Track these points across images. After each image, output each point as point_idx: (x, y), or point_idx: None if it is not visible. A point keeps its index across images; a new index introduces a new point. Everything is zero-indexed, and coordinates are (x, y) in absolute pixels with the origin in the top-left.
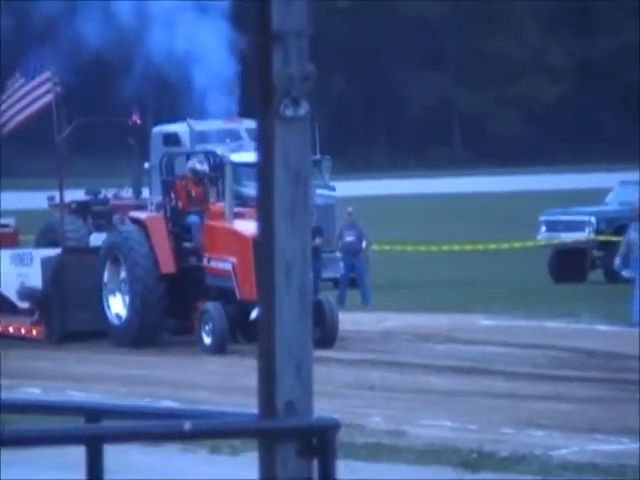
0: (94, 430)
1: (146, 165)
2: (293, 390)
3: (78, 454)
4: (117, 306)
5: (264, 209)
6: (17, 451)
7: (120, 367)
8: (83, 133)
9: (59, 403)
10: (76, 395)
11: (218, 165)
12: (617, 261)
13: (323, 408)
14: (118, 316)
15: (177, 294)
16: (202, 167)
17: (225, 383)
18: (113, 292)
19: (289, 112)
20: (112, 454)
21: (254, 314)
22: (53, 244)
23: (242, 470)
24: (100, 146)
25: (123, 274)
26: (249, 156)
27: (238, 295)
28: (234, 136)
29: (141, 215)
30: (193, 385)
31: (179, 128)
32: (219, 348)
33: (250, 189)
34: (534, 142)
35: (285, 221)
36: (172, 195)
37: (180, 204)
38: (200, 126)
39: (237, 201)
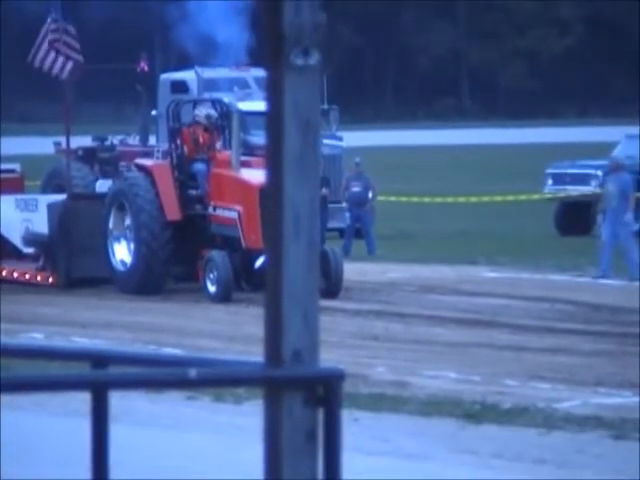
0: (99, 376)
1: (153, 112)
2: (300, 339)
3: (82, 400)
4: (122, 253)
5: (273, 158)
6: (21, 397)
7: (125, 314)
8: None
9: (63, 348)
10: (81, 341)
11: (225, 113)
12: (599, 217)
13: (327, 358)
14: (123, 262)
15: (182, 242)
16: (210, 114)
17: (231, 331)
18: (118, 239)
19: (299, 61)
20: (117, 401)
21: (259, 263)
22: (59, 190)
23: (246, 418)
24: (108, 92)
25: (128, 221)
26: (257, 105)
27: (243, 244)
28: (242, 84)
29: (147, 162)
30: (198, 333)
31: (187, 75)
32: (224, 296)
33: (258, 138)
34: (541, 95)
35: (294, 170)
36: (178, 142)
37: (186, 152)
38: (208, 74)
39: (245, 150)
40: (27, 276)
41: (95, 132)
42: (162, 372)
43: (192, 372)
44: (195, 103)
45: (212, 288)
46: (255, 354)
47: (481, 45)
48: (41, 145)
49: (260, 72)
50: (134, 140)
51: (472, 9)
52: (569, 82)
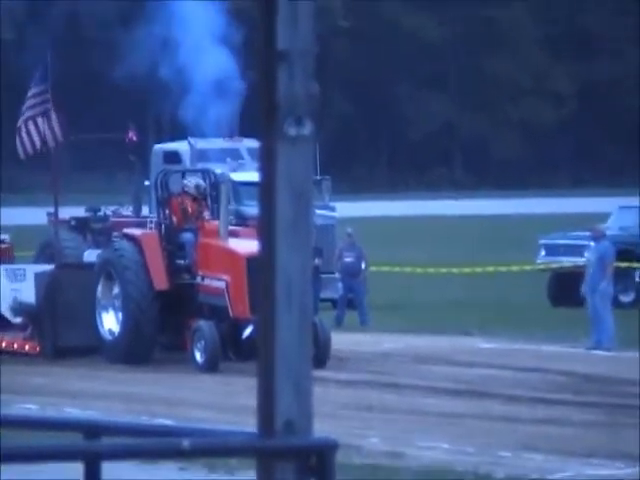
0: (92, 447)
1: (146, 183)
2: (292, 409)
3: (76, 471)
4: (110, 322)
5: (266, 227)
6: (15, 467)
7: (117, 384)
8: (85, 150)
9: (57, 419)
10: (73, 412)
11: (214, 183)
12: (583, 287)
13: (321, 429)
14: (111, 332)
15: (170, 311)
16: (198, 184)
17: (223, 401)
18: (106, 308)
19: (293, 131)
20: (109, 470)
21: (247, 332)
22: (52, 260)
23: None
24: (101, 163)
25: (116, 290)
26: (250, 175)
27: (231, 313)
28: (235, 155)
29: (135, 232)
30: (191, 403)
31: (180, 146)
32: (211, 366)
33: (251, 208)
34: (535, 166)
35: (287, 239)
36: (167, 212)
37: (175, 221)
38: (201, 144)
39: (238, 220)
40: (15, 345)
41: (88, 202)
42: (155, 442)
43: (185, 442)
44: (184, 173)
45: (200, 358)
46: (248, 425)
47: (473, 116)
48: (33, 215)
49: (252, 143)
50: (127, 210)
51: (464, 80)
52: (562, 152)
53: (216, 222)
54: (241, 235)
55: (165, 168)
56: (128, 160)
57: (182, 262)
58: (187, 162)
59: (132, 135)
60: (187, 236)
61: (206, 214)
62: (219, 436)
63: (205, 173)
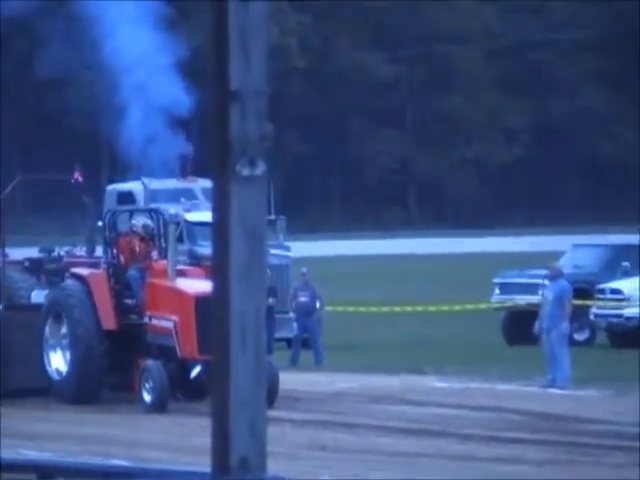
0: None
1: (100, 223)
2: (247, 449)
3: None
4: (58, 362)
5: (219, 268)
6: None
7: (73, 425)
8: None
9: (9, 460)
10: (28, 453)
11: (162, 223)
12: (536, 325)
13: (275, 468)
14: (58, 371)
15: (118, 351)
16: (146, 224)
17: (178, 442)
18: (54, 348)
19: (246, 171)
20: None
21: (195, 372)
22: (8, 300)
23: None
24: (55, 204)
25: (64, 330)
26: (204, 215)
27: (179, 353)
28: (189, 195)
29: (83, 272)
30: (146, 444)
31: (134, 186)
32: (160, 406)
33: (205, 249)
34: (489, 204)
35: (241, 281)
36: (115, 252)
37: (123, 261)
38: (155, 184)
39: (192, 260)
40: None
41: (42, 243)
42: None
43: None
44: (132, 213)
45: (148, 398)
46: (203, 465)
47: (428, 154)
48: None
49: (207, 183)
50: (80, 251)
51: (419, 118)
52: (516, 190)
53: (164, 262)
54: (189, 275)
55: (113, 208)
56: (81, 201)
57: (130, 302)
58: (141, 202)
59: (78, 176)
60: (135, 276)
61: (154, 254)
62: (174, 476)
63: (153, 213)
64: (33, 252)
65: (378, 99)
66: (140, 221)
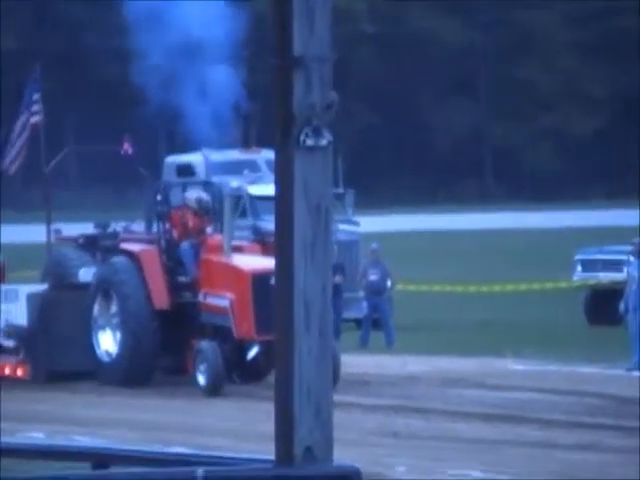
0: (101, 476)
1: (159, 197)
2: (312, 435)
3: None
4: (107, 342)
5: (282, 244)
6: None
7: (129, 411)
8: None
9: (63, 448)
10: (82, 440)
11: (218, 196)
12: (622, 304)
13: (344, 456)
14: (108, 353)
15: (171, 331)
16: (200, 198)
17: (241, 428)
18: (103, 327)
19: (310, 142)
20: None
21: (252, 353)
22: (62, 279)
23: None
24: (111, 177)
25: (114, 309)
26: (268, 189)
27: (235, 334)
28: (252, 167)
29: (133, 247)
30: (207, 431)
31: (193, 158)
32: (214, 389)
33: (270, 224)
34: (568, 176)
35: (305, 256)
36: (167, 226)
37: (175, 236)
38: (216, 156)
39: (256, 236)
40: (6, 370)
41: (97, 219)
42: (167, 472)
43: (199, 471)
44: (185, 186)
45: (202, 381)
46: (268, 453)
47: (504, 124)
48: (29, 233)
49: (271, 154)
50: (138, 226)
51: (494, 87)
52: (597, 162)
53: (219, 237)
54: (246, 251)
55: (165, 181)
56: (139, 174)
57: (183, 279)
58: (201, 174)
59: (128, 147)
60: (188, 251)
61: (209, 229)
62: (235, 464)
63: (208, 185)
64: (88, 228)
65: (450, 66)
66: (193, 194)
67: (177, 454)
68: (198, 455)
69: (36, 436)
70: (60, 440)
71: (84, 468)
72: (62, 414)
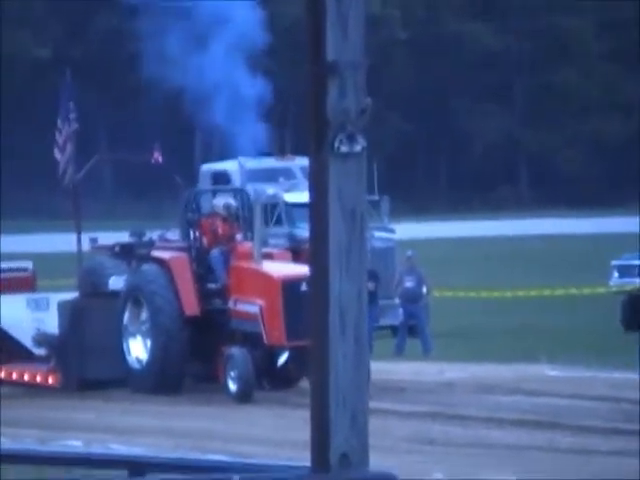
0: None
1: (188, 204)
2: (348, 442)
3: None
4: (138, 350)
5: (317, 250)
6: None
7: (163, 418)
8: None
9: (100, 455)
10: (119, 448)
11: (247, 203)
12: None
13: (379, 463)
14: (138, 360)
15: (201, 338)
16: (228, 204)
17: (277, 436)
18: (134, 335)
19: (344, 148)
20: None
21: (282, 360)
22: (96, 287)
23: None
24: (147, 187)
25: (144, 316)
26: (303, 196)
27: (266, 340)
28: (288, 174)
29: (164, 255)
30: (243, 438)
31: (229, 166)
32: (245, 396)
33: (305, 231)
34: (603, 182)
35: (340, 263)
36: (197, 234)
37: (205, 243)
38: (251, 164)
39: (292, 244)
40: (38, 378)
41: (133, 228)
42: (203, 479)
43: (235, 478)
44: (214, 193)
45: (233, 387)
46: (304, 460)
47: (539, 130)
48: (56, 242)
49: (306, 162)
50: (174, 235)
51: (529, 93)
52: (632, 169)
53: (249, 244)
54: (275, 258)
55: (194, 188)
56: (174, 182)
57: (213, 286)
58: (237, 182)
59: (157, 155)
60: (218, 259)
61: (238, 236)
62: (271, 471)
63: (238, 192)
64: (123, 236)
65: (485, 72)
66: (221, 201)
67: (213, 461)
68: (234, 462)
69: (74, 444)
70: (97, 448)
71: (121, 476)
72: (97, 422)
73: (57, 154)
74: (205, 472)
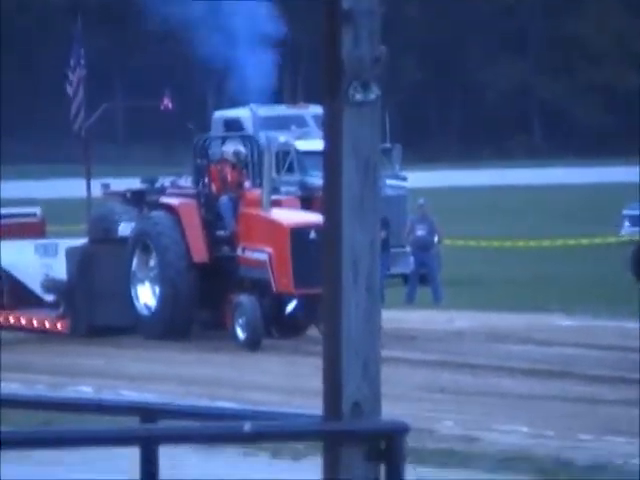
0: (149, 430)
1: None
2: (360, 391)
3: (132, 457)
4: (146, 296)
5: (331, 199)
6: (67, 453)
7: (175, 366)
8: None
9: (111, 402)
10: (130, 395)
11: (257, 150)
12: None
13: (390, 411)
14: (147, 306)
15: (209, 285)
16: (238, 151)
17: (288, 383)
18: (142, 281)
19: (359, 96)
20: (167, 458)
21: (290, 307)
22: (108, 233)
23: (305, 475)
24: (159, 133)
25: (153, 262)
26: (316, 144)
27: (274, 288)
28: (300, 122)
29: (172, 201)
30: (254, 386)
31: (241, 113)
32: (253, 343)
33: (317, 179)
34: (617, 132)
35: (353, 212)
36: (206, 181)
37: (214, 190)
38: (264, 111)
39: (303, 192)
40: (46, 324)
41: (145, 174)
42: (215, 426)
43: (246, 426)
44: (224, 139)
45: (241, 334)
46: (315, 408)
47: (553, 79)
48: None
49: (318, 109)
50: (186, 182)
51: (543, 42)
52: None
53: (258, 191)
54: (284, 205)
55: (203, 134)
56: (187, 129)
57: (222, 233)
58: (249, 129)
59: (167, 102)
60: (227, 205)
61: (247, 183)
62: (283, 419)
63: (247, 139)
64: (135, 183)
65: (499, 22)
66: (231, 148)
67: (224, 409)
68: (245, 410)
69: (85, 390)
70: (108, 395)
71: (133, 422)
72: (109, 369)
73: (69, 91)
74: (216, 419)
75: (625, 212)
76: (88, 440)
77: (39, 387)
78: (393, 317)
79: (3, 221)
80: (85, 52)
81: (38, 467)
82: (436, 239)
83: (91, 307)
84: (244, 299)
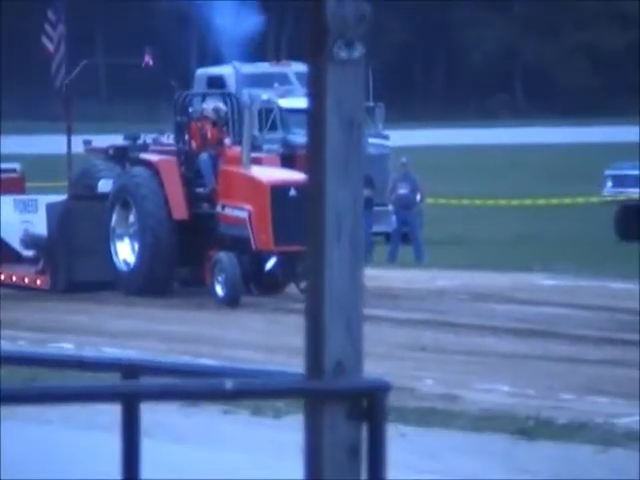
0: (130, 387)
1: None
2: (342, 349)
3: (113, 413)
4: (125, 252)
5: (314, 157)
6: (48, 409)
7: (157, 322)
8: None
9: (92, 358)
10: (112, 351)
11: (236, 107)
12: None
13: (372, 370)
14: (126, 262)
15: (189, 242)
16: (217, 108)
17: (270, 341)
18: (121, 237)
19: (343, 54)
20: (148, 414)
21: (270, 265)
22: (90, 190)
23: (286, 433)
24: (141, 90)
25: (132, 219)
26: (299, 101)
27: (253, 245)
28: (283, 80)
29: (152, 157)
30: (236, 343)
31: (224, 70)
32: (232, 300)
33: (300, 137)
34: (601, 92)
35: (337, 170)
36: (186, 138)
37: (194, 147)
38: (247, 68)
39: (286, 149)
40: (26, 280)
41: (128, 131)
42: (196, 383)
43: (228, 383)
44: (204, 96)
45: (220, 291)
46: (297, 366)
47: (537, 40)
48: (47, 144)
49: (301, 67)
50: (168, 139)
51: (527, 1)
52: (630, 79)
53: (238, 148)
54: (264, 162)
55: (183, 91)
56: (169, 86)
57: (202, 190)
58: (232, 87)
59: (148, 59)
60: (206, 162)
61: (227, 140)
62: (264, 377)
63: (227, 96)
64: (117, 139)
65: None
66: (211, 105)
67: (206, 366)
68: (227, 367)
69: (66, 347)
70: (90, 351)
71: (114, 379)
72: (90, 325)
73: (49, 47)
74: (198, 376)
75: (607, 172)
76: (70, 396)
77: (21, 343)
78: (375, 275)
79: None
80: (65, 7)
81: (22, 423)
82: (418, 198)
83: (71, 263)
84: (223, 256)
